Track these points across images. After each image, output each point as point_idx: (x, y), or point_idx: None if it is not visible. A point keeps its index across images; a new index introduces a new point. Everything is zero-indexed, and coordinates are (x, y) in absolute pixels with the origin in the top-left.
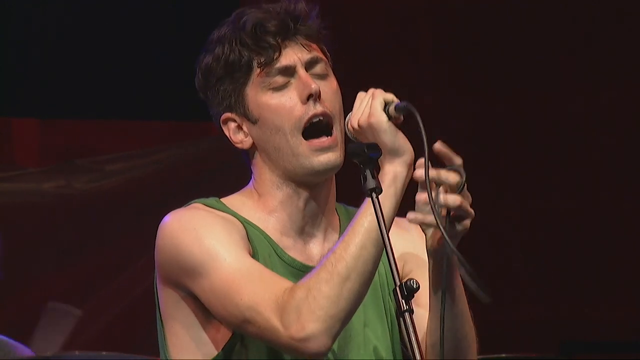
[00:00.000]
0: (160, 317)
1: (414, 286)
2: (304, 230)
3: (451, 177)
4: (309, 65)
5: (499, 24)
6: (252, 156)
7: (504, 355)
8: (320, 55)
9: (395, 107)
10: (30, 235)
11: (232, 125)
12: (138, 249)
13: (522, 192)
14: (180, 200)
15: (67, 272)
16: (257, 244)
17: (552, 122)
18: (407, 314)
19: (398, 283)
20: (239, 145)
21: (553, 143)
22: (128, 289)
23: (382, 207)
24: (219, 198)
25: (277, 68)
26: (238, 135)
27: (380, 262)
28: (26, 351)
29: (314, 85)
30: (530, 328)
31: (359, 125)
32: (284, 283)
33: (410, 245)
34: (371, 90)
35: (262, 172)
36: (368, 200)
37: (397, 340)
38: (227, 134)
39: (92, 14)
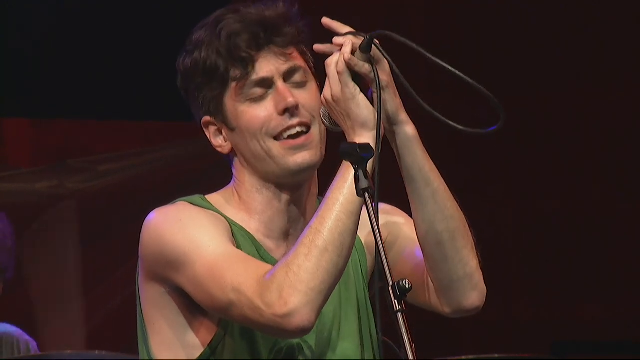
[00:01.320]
0: (142, 316)
1: (407, 286)
2: (286, 232)
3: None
4: (287, 75)
5: (489, 21)
6: (232, 159)
7: (496, 355)
8: (299, 62)
9: (360, 48)
10: (22, 235)
11: (212, 128)
12: (130, 249)
13: (513, 192)
14: (172, 200)
15: (59, 272)
16: (241, 243)
17: (541, 122)
18: (399, 314)
19: (390, 283)
20: (218, 149)
21: (543, 143)
22: (121, 289)
23: (352, 180)
24: (204, 195)
25: (254, 80)
26: (218, 139)
27: (354, 251)
28: (32, 344)
29: (290, 99)
30: (522, 328)
31: (332, 98)
32: (266, 266)
33: (389, 218)
34: (331, 58)
35: (242, 176)
36: (341, 170)
37: (367, 333)
38: (207, 136)
39: (85, 14)
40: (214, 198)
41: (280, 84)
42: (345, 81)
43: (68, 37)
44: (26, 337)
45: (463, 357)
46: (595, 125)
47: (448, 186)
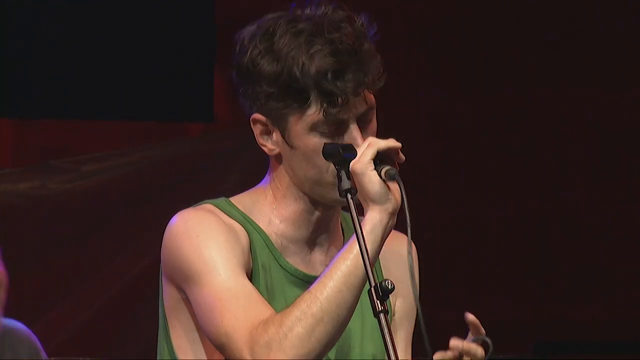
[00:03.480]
0: (165, 317)
1: (389, 287)
2: (310, 239)
3: (479, 351)
4: (361, 117)
5: (470, 21)
6: (275, 160)
7: None
8: (372, 101)
9: (386, 172)
10: (3, 235)
11: (262, 128)
12: (113, 250)
13: (496, 192)
14: (155, 201)
15: (41, 273)
16: (259, 252)
17: (529, 122)
18: (382, 315)
19: (372, 284)
20: (262, 147)
21: (530, 143)
22: (102, 290)
23: (360, 254)
24: (229, 199)
25: (333, 119)
26: (264, 139)
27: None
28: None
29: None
30: (504, 328)
31: (351, 169)
32: (265, 313)
33: (403, 269)
34: (369, 139)
35: (282, 181)
36: (348, 244)
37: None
38: (253, 130)
39: (68, 14)
40: (240, 200)
41: (354, 127)
42: (368, 162)
43: (51, 37)
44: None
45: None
46: (590, 125)
47: (436, 188)
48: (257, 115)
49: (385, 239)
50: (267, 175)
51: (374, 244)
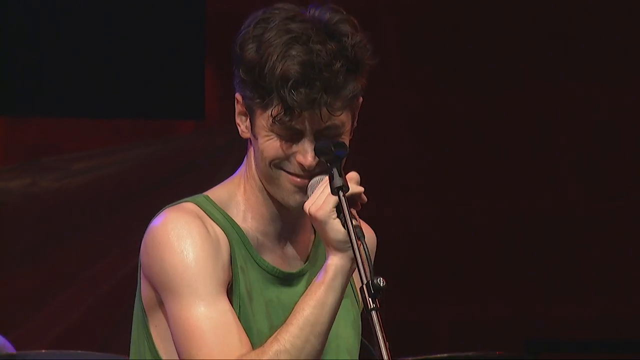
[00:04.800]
0: (144, 311)
1: (381, 284)
2: (282, 234)
3: None
4: (319, 133)
5: (460, 17)
6: (247, 147)
7: (470, 353)
8: (338, 122)
9: (353, 227)
10: None
11: (240, 108)
12: (104, 248)
13: (487, 191)
14: (146, 199)
15: (32, 271)
16: (237, 254)
17: (519, 121)
18: (374, 312)
19: (365, 281)
20: (237, 127)
21: (520, 142)
22: (92, 288)
23: (325, 299)
24: (207, 195)
25: (287, 125)
26: (240, 119)
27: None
28: (7, 345)
29: (310, 161)
30: (495, 326)
31: (309, 213)
32: (241, 347)
33: None
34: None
35: (252, 167)
36: (312, 286)
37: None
38: (235, 107)
39: (59, 12)
40: (218, 195)
41: (307, 139)
42: (329, 209)
43: (43, 35)
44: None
45: (437, 356)
46: (576, 125)
47: (426, 187)
48: (238, 96)
49: (347, 282)
50: (242, 165)
51: (338, 290)
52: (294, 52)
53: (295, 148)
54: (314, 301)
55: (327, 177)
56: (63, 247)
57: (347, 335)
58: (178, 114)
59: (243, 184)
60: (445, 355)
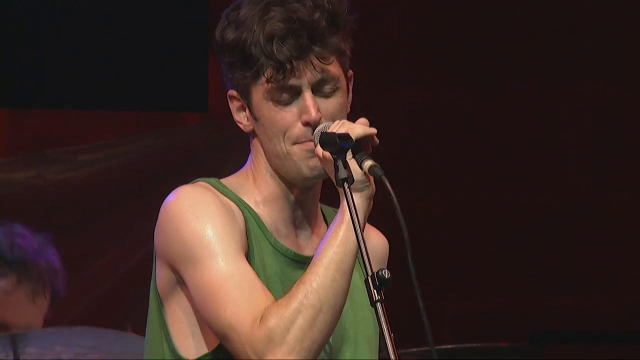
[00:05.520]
0: (158, 296)
1: (386, 276)
2: (293, 221)
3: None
4: (316, 86)
5: (462, 13)
6: (252, 138)
7: (474, 344)
8: (333, 71)
9: (370, 168)
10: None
11: (236, 103)
12: (109, 239)
13: (490, 185)
14: (151, 191)
15: None
16: (251, 231)
17: (519, 117)
18: (379, 304)
19: (370, 273)
20: (239, 125)
21: (518, 137)
22: (99, 280)
23: (346, 237)
24: (219, 179)
25: (283, 86)
26: (240, 116)
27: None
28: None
29: (314, 114)
30: (499, 317)
31: (322, 156)
32: (266, 302)
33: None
34: (345, 125)
35: (259, 158)
36: (332, 226)
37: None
38: (230, 108)
39: (63, 5)
40: (229, 182)
41: (307, 95)
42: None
43: (46, 27)
44: None
45: (442, 347)
46: (579, 120)
47: (426, 183)
48: (231, 92)
49: (365, 224)
50: (247, 160)
51: (357, 228)
52: (272, 14)
53: (297, 110)
54: (336, 240)
55: (334, 123)
56: (68, 239)
57: (366, 325)
58: (181, 106)
59: (252, 174)
60: (450, 346)
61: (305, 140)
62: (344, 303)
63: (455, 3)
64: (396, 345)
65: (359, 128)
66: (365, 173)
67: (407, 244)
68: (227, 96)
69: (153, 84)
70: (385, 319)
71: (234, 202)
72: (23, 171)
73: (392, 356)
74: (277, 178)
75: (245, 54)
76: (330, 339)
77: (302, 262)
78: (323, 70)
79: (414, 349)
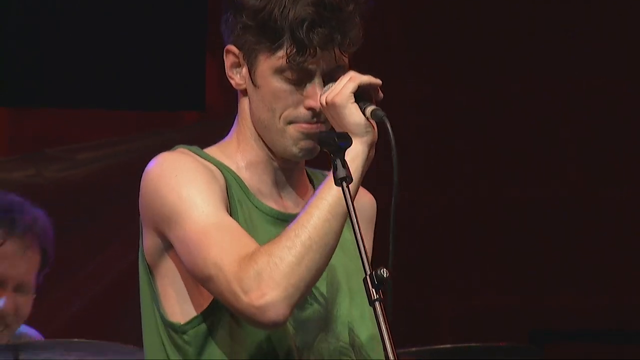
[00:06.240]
0: (146, 265)
1: (385, 275)
2: (277, 185)
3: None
4: (328, 73)
5: (464, 10)
6: (241, 96)
7: (473, 344)
8: (345, 62)
9: (372, 112)
10: None
11: (233, 60)
12: (108, 238)
13: (490, 182)
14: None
15: None
16: (234, 192)
17: (519, 113)
18: (377, 303)
19: (368, 272)
20: (231, 81)
21: (522, 131)
22: (98, 278)
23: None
24: (201, 148)
25: (300, 66)
26: (233, 72)
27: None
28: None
29: (319, 108)
30: (499, 317)
31: (326, 102)
32: (251, 245)
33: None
34: (350, 73)
35: (245, 119)
36: (327, 180)
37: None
38: (225, 61)
39: (61, 4)
40: (211, 149)
41: (318, 81)
42: (347, 95)
43: (45, 26)
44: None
45: (441, 346)
46: (579, 116)
47: (426, 178)
48: (231, 47)
49: (366, 170)
50: (234, 122)
51: (355, 173)
52: None
53: (303, 92)
54: (330, 183)
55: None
56: (67, 238)
57: (359, 281)
58: (178, 105)
59: (236, 138)
60: (449, 345)
61: (303, 122)
62: (335, 245)
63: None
64: (395, 344)
65: (365, 76)
66: (367, 118)
67: (395, 186)
68: (225, 49)
69: (149, 82)
70: (384, 318)
71: (214, 165)
72: (22, 170)
73: (390, 355)
74: (261, 143)
75: (268, 25)
76: (325, 291)
77: (288, 221)
78: (338, 60)
79: (414, 349)
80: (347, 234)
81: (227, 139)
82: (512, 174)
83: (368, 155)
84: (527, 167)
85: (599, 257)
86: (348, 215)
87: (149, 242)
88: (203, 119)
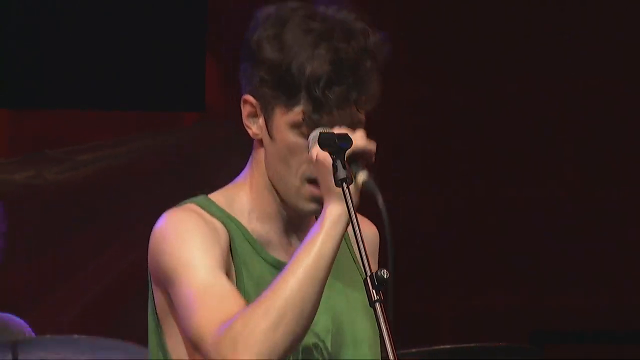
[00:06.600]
0: (156, 316)
1: (385, 276)
2: (287, 230)
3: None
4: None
5: (461, 11)
6: (258, 145)
7: (473, 344)
8: (359, 119)
9: (364, 182)
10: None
11: (250, 110)
12: (108, 240)
13: (489, 182)
14: (151, 190)
15: (35, 263)
16: (239, 247)
17: (516, 113)
18: (377, 304)
19: (369, 273)
20: (247, 129)
21: (519, 131)
22: (98, 278)
23: (323, 247)
24: (207, 195)
25: (315, 124)
26: (250, 121)
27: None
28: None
29: None
30: (499, 317)
31: (316, 158)
32: (237, 307)
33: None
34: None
35: (259, 167)
36: (310, 232)
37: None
38: (242, 110)
39: (61, 5)
40: (219, 197)
41: None
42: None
43: (45, 26)
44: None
45: (441, 347)
46: (577, 116)
47: (425, 179)
48: (248, 97)
49: (344, 233)
50: (247, 165)
51: (336, 237)
52: (321, 51)
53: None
54: (312, 245)
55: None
56: (67, 239)
57: (364, 326)
58: (178, 106)
59: (249, 182)
60: (449, 346)
61: (316, 182)
62: (314, 311)
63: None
64: (395, 345)
65: (362, 142)
66: (356, 183)
67: (391, 256)
68: (242, 99)
69: (150, 83)
70: (385, 319)
71: (220, 219)
72: (22, 171)
73: (391, 356)
74: (275, 194)
75: (285, 81)
76: (330, 345)
77: None
78: (355, 116)
79: (414, 349)
80: (355, 275)
81: (239, 180)
82: (510, 173)
83: (347, 220)
84: (524, 167)
85: (600, 258)
86: (345, 232)
87: (158, 297)
88: (203, 119)
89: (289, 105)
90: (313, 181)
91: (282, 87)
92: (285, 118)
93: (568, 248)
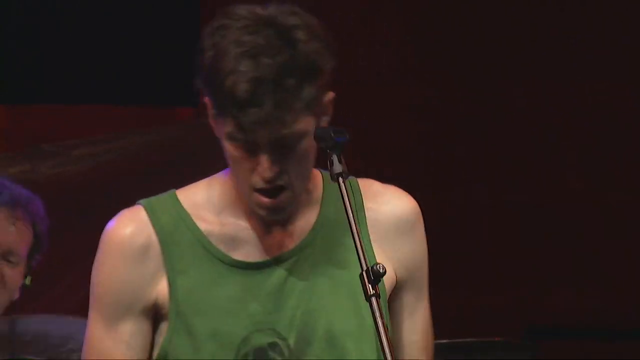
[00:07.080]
0: None
1: (381, 270)
2: (265, 224)
3: None
4: (277, 141)
5: (464, 13)
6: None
7: (469, 339)
8: (301, 126)
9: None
10: None
11: (211, 111)
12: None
13: (488, 182)
14: (146, 185)
15: None
16: (178, 254)
17: (521, 117)
18: (374, 299)
19: (365, 267)
20: (214, 131)
21: (519, 138)
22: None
23: None
24: (181, 189)
25: (242, 138)
26: (213, 123)
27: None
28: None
29: (269, 175)
30: (495, 313)
31: None
32: None
33: (411, 248)
34: None
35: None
36: None
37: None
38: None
39: (58, 1)
40: (190, 194)
41: (265, 152)
42: None
43: (41, 21)
44: None
45: (437, 342)
46: (579, 119)
47: (425, 180)
48: (206, 98)
49: None
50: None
51: None
52: (242, 68)
53: (255, 162)
54: None
55: None
56: (62, 234)
57: (347, 320)
58: (172, 101)
59: (229, 178)
60: (445, 341)
61: (261, 193)
62: None
63: (457, 3)
64: (390, 340)
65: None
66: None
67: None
68: (204, 100)
69: (145, 78)
70: (381, 314)
71: (165, 226)
72: (18, 165)
73: (387, 351)
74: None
75: (215, 94)
76: (292, 341)
77: (261, 269)
78: (289, 126)
79: None
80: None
81: (219, 175)
82: (512, 176)
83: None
84: (528, 173)
85: (595, 255)
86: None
87: None
88: (196, 114)
89: (220, 116)
90: (259, 190)
91: (215, 101)
92: (223, 127)
93: (566, 246)
